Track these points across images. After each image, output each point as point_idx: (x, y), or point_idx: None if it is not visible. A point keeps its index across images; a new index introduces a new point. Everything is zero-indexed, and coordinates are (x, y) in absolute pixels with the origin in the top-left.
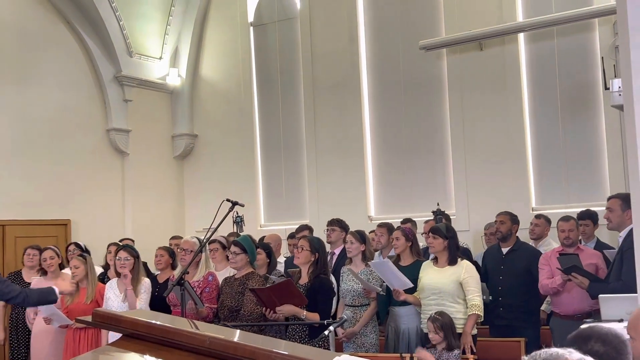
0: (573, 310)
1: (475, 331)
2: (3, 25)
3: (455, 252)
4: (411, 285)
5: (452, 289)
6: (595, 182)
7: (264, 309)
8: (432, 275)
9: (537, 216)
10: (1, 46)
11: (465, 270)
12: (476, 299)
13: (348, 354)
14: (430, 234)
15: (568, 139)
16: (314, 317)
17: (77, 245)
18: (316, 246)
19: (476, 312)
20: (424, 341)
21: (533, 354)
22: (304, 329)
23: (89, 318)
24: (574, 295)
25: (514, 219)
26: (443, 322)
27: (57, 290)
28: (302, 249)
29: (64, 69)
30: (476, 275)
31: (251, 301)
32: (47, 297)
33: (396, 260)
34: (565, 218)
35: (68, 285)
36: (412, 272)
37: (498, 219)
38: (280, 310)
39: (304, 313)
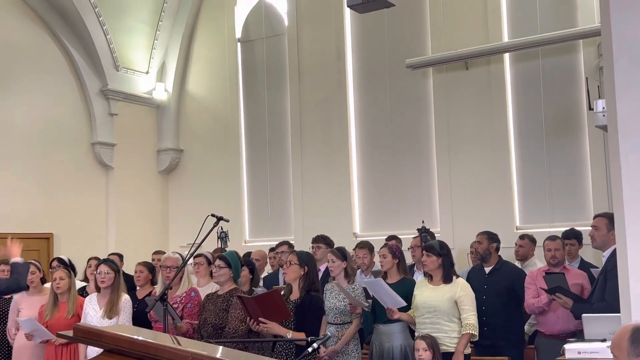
0: (558, 329)
1: (468, 350)
2: None
3: (450, 270)
4: (404, 303)
5: (448, 308)
6: (579, 202)
7: (248, 318)
8: (427, 293)
9: (522, 237)
10: None
11: (461, 289)
12: (471, 318)
13: None
14: (424, 252)
15: (552, 158)
16: (300, 336)
17: (61, 260)
18: (305, 260)
19: (470, 332)
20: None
21: None
22: (292, 347)
23: (70, 333)
24: (559, 315)
25: (491, 238)
26: (432, 340)
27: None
28: (291, 263)
29: (49, 82)
30: (471, 294)
31: (236, 318)
32: (17, 283)
33: (382, 277)
34: (552, 237)
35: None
36: (400, 290)
37: (476, 240)
38: (266, 327)
39: (290, 334)
